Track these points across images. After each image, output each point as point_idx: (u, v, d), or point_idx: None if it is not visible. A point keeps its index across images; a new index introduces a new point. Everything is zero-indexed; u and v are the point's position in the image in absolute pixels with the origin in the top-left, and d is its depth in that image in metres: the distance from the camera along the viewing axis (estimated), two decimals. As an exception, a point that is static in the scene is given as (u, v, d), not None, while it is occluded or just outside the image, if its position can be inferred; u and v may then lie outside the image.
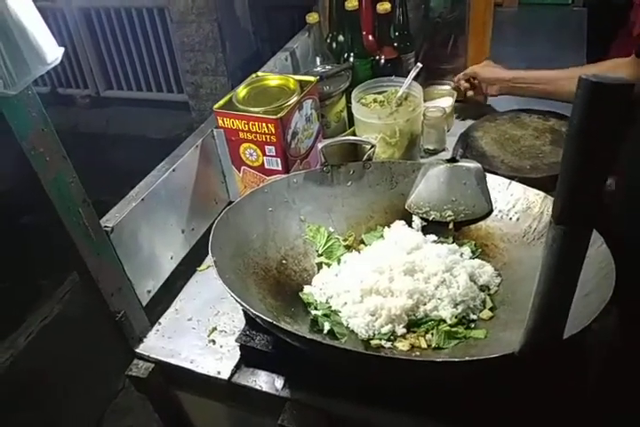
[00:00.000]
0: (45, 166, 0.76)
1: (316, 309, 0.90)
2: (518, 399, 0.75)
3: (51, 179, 0.78)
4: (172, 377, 0.99)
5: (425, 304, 0.87)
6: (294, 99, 1.09)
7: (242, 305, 0.74)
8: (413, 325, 0.86)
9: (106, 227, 0.90)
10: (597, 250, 0.80)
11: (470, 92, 1.50)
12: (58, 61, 0.74)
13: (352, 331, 0.86)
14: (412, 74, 1.26)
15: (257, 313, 0.72)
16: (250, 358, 0.92)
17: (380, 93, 1.31)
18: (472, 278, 0.91)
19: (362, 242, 1.04)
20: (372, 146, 1.08)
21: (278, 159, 1.09)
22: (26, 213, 2.78)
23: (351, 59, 1.40)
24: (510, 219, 0.98)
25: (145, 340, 1.00)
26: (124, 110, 3.84)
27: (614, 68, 1.20)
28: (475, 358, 0.64)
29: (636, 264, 0.90)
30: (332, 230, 1.04)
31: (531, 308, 0.57)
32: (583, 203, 0.50)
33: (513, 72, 1.40)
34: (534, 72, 1.37)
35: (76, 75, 3.92)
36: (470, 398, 0.78)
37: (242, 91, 1.14)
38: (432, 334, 0.84)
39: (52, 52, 0.72)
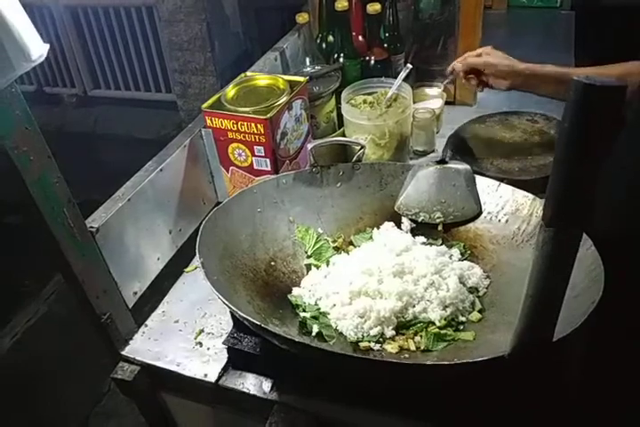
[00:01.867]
0: (29, 166, 0.75)
1: (304, 311, 0.89)
2: (506, 401, 0.75)
3: (35, 178, 0.76)
4: (158, 380, 0.98)
5: (414, 306, 0.86)
6: (284, 99, 1.08)
7: (229, 307, 0.73)
8: (402, 327, 0.85)
9: (91, 227, 0.89)
10: (586, 252, 0.80)
11: (474, 84, 1.25)
12: (42, 58, 0.73)
13: (341, 333, 0.85)
14: (402, 75, 1.26)
15: (244, 315, 0.71)
16: (237, 360, 0.91)
17: (369, 94, 1.30)
18: (461, 280, 0.90)
19: (351, 243, 1.03)
20: (362, 147, 1.07)
21: (267, 160, 1.08)
22: (11, 212, 2.74)
23: (341, 59, 1.39)
24: (499, 221, 0.97)
25: (131, 342, 0.99)
26: (111, 110, 3.81)
27: (628, 74, 1.09)
28: (465, 360, 0.64)
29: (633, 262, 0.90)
30: (322, 232, 1.03)
31: (521, 310, 0.57)
32: (574, 205, 0.50)
33: (529, 65, 1.19)
34: (550, 69, 1.18)
35: (63, 73, 3.88)
36: (459, 400, 0.78)
37: (231, 90, 1.13)
38: (421, 336, 0.84)
39: (37, 49, 0.71)
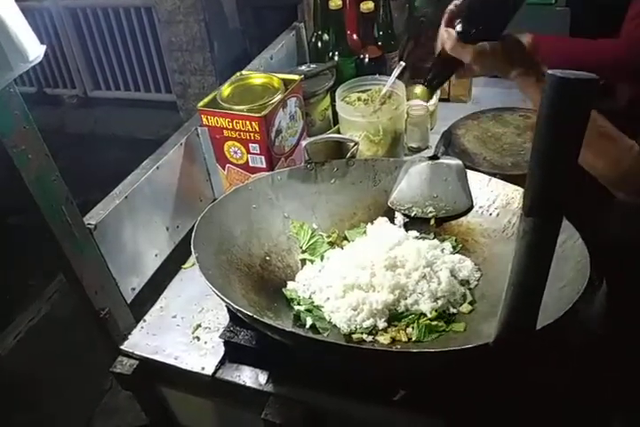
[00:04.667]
0: (28, 164, 0.77)
1: (298, 304, 0.91)
2: (498, 390, 0.76)
3: (33, 177, 0.78)
4: (156, 374, 0.99)
5: (406, 299, 0.88)
6: (278, 97, 1.10)
7: (223, 300, 0.74)
8: (394, 319, 0.87)
9: (89, 224, 0.91)
10: (574, 244, 0.81)
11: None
12: (40, 59, 0.75)
13: (334, 325, 0.87)
14: (396, 72, 1.28)
15: (238, 307, 0.72)
16: (233, 353, 0.93)
17: (363, 92, 1.32)
18: (452, 273, 0.92)
19: (345, 238, 1.05)
20: (356, 143, 1.09)
21: (262, 157, 1.10)
22: (14, 213, 2.76)
23: (336, 57, 1.41)
24: (490, 214, 0.99)
25: (130, 337, 1.00)
26: (111, 110, 3.83)
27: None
28: (449, 348, 0.65)
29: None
30: (316, 227, 1.05)
31: (504, 299, 0.58)
32: (552, 195, 0.52)
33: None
34: None
35: (64, 75, 3.90)
36: (451, 390, 0.79)
37: (226, 89, 1.14)
38: (412, 327, 0.85)
39: (34, 50, 0.73)
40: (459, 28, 0.90)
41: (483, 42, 0.88)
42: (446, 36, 0.91)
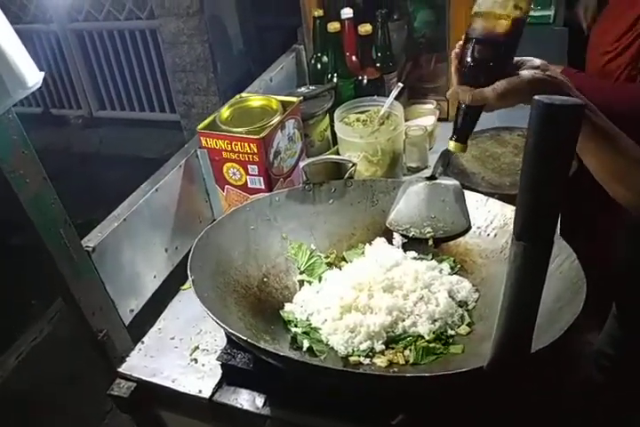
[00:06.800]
0: (25, 188, 0.78)
1: (296, 326, 0.91)
2: (495, 411, 0.75)
3: (31, 200, 0.79)
4: (154, 396, 0.99)
5: (404, 321, 0.88)
6: (276, 119, 1.11)
7: (218, 323, 0.74)
8: (392, 341, 0.86)
9: (87, 247, 0.91)
10: (570, 265, 0.81)
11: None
12: (38, 85, 0.76)
13: (332, 348, 0.87)
14: (394, 93, 1.29)
15: (232, 331, 0.72)
16: (231, 376, 0.92)
17: (362, 113, 1.33)
18: (450, 294, 0.92)
19: (343, 259, 1.05)
20: (353, 164, 1.10)
21: (261, 178, 1.11)
22: (16, 233, 2.77)
23: (335, 79, 1.43)
24: (488, 235, 0.99)
25: (127, 359, 1.00)
26: (116, 130, 3.87)
27: None
28: (443, 372, 0.65)
29: None
30: (314, 248, 1.05)
31: (497, 323, 0.58)
32: (541, 219, 0.52)
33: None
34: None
35: (70, 95, 3.96)
36: (449, 414, 0.78)
37: (225, 111, 1.16)
38: (410, 350, 0.85)
39: (33, 77, 0.74)
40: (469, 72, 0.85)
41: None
42: (461, 92, 0.85)
